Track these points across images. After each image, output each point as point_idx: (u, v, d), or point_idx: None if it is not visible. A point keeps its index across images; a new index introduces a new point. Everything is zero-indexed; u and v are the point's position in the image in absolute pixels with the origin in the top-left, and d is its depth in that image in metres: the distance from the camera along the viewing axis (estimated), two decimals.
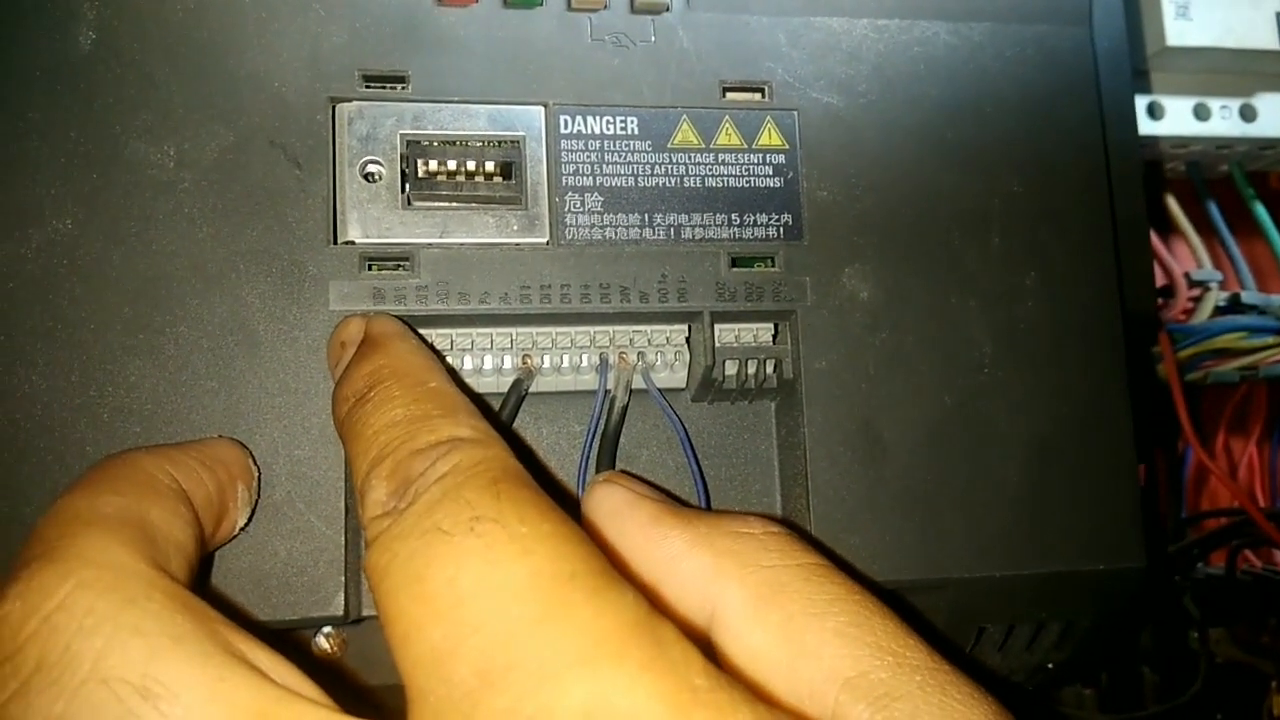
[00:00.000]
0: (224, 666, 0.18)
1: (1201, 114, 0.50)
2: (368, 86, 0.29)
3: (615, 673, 0.15)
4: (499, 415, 0.29)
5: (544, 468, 0.30)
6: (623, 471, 0.29)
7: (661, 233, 0.30)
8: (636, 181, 0.30)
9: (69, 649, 0.17)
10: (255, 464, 0.26)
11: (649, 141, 0.30)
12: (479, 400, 0.28)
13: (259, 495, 0.26)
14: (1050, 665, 0.33)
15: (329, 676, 0.28)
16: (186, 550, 0.22)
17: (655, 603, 0.20)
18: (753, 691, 0.16)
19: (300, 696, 0.18)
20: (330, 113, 0.28)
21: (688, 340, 0.30)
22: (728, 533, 0.23)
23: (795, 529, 0.25)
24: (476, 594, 0.17)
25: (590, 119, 0.30)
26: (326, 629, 0.29)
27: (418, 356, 0.24)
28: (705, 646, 0.22)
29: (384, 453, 0.21)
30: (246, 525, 0.26)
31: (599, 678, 0.15)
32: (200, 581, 0.25)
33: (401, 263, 0.28)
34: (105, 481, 0.22)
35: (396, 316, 0.27)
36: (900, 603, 0.28)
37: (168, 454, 0.24)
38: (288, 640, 0.28)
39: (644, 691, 0.15)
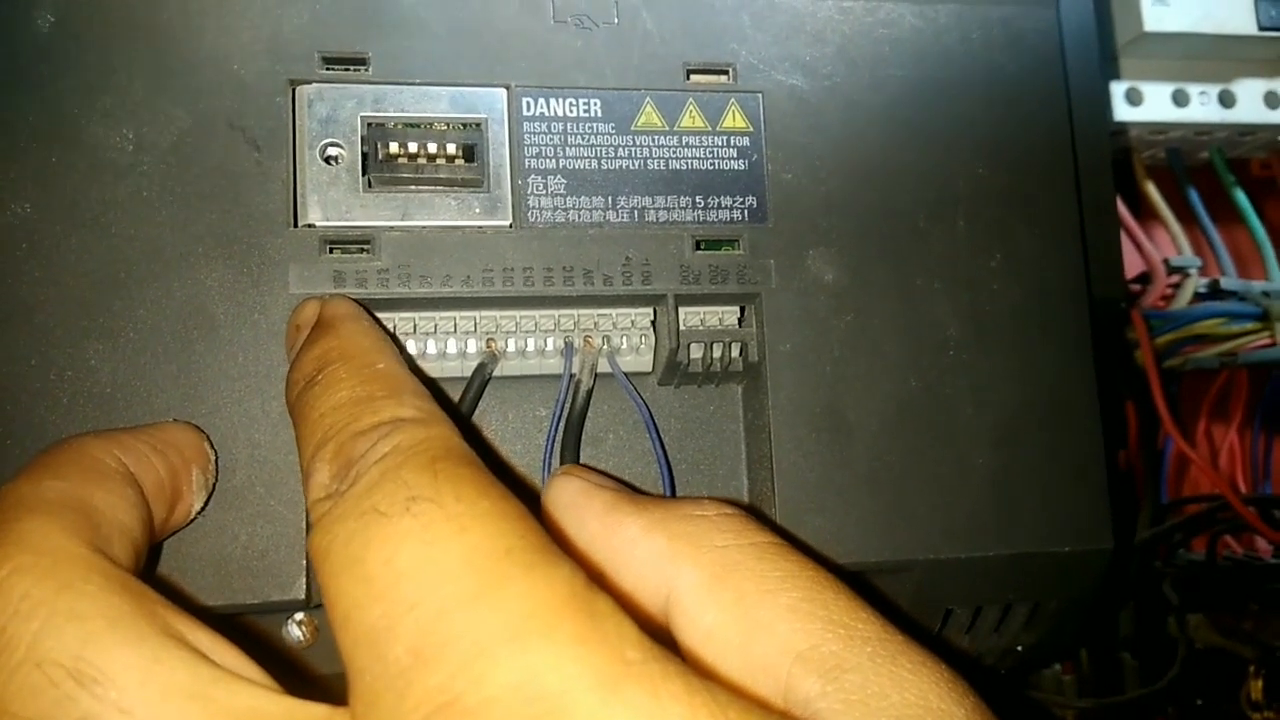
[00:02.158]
0: (160, 648, 0.18)
1: (1180, 100, 0.50)
2: (328, 68, 0.28)
3: (545, 648, 0.15)
4: (463, 400, 0.29)
5: (508, 453, 0.30)
6: (583, 465, 0.29)
7: (625, 216, 0.30)
8: (600, 164, 0.30)
9: (4, 633, 0.17)
10: (212, 447, 0.26)
11: (612, 124, 0.30)
12: (436, 386, 0.28)
13: (217, 479, 0.26)
14: (1019, 648, 0.33)
15: (299, 667, 0.29)
16: (133, 534, 0.21)
17: (613, 590, 0.20)
18: (691, 665, 0.16)
19: (238, 677, 0.18)
20: (290, 95, 0.28)
21: (653, 323, 0.30)
22: (682, 516, 0.23)
23: (756, 513, 0.25)
24: (413, 573, 0.17)
25: (553, 101, 0.30)
26: (299, 616, 0.29)
27: (367, 338, 0.24)
28: (663, 632, 0.22)
29: (328, 435, 0.21)
30: (204, 509, 0.26)
31: (529, 653, 0.15)
32: (153, 567, 0.25)
33: (362, 246, 0.28)
34: (50, 467, 0.22)
35: (358, 300, 0.27)
36: (864, 585, 0.28)
37: (116, 438, 0.24)
38: (256, 630, 0.28)
39: (574, 666, 0.15)
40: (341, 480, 0.20)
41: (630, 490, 0.25)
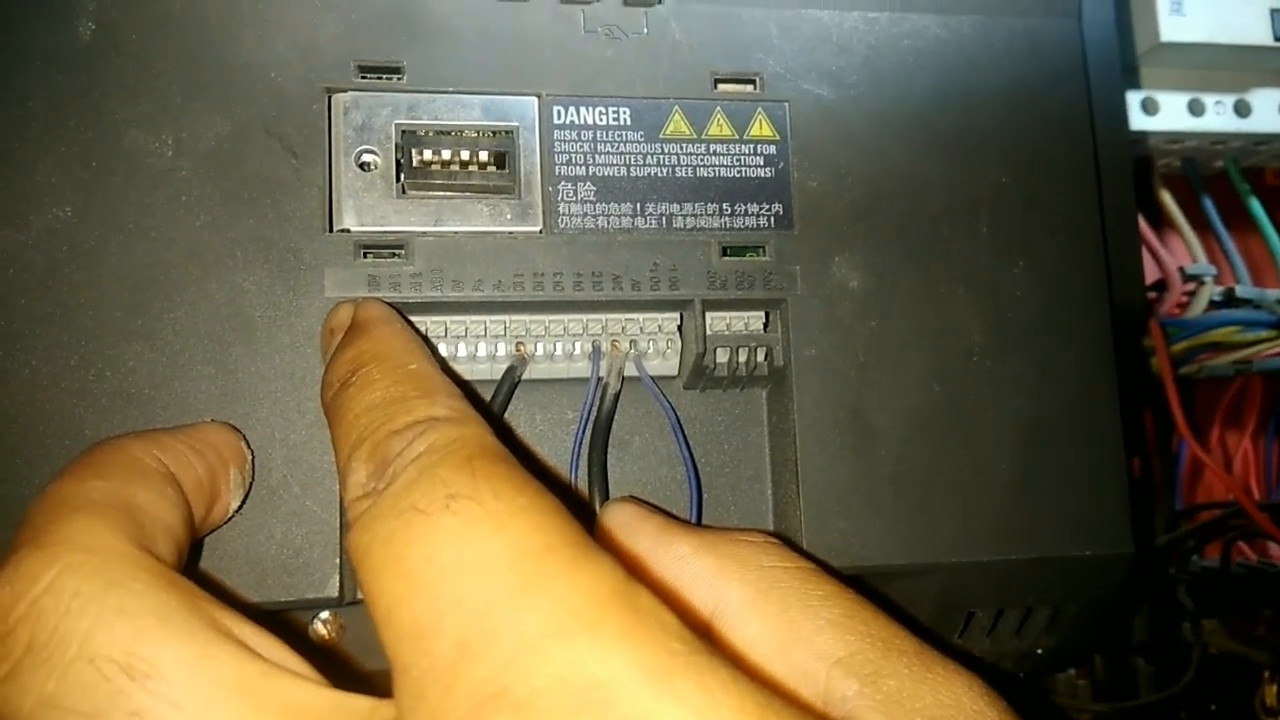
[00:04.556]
0: (209, 643, 0.18)
1: (1196, 109, 0.50)
2: (363, 77, 0.29)
3: (591, 641, 0.16)
4: (492, 402, 0.29)
5: (537, 455, 0.30)
6: (631, 497, 0.29)
7: (653, 222, 0.30)
8: (629, 171, 0.30)
9: (57, 630, 0.18)
10: (249, 447, 0.26)
11: (641, 132, 0.30)
12: (468, 387, 0.29)
13: (253, 479, 0.26)
14: (1039, 651, 0.33)
15: (329, 662, 0.29)
16: (175, 532, 0.22)
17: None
18: (732, 658, 0.17)
19: (285, 670, 0.18)
20: (326, 102, 0.29)
21: (679, 328, 0.31)
22: (729, 540, 0.25)
23: (789, 544, 0.26)
24: (455, 570, 0.17)
25: (583, 109, 0.30)
26: (324, 615, 0.29)
27: (400, 340, 0.25)
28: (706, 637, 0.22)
29: (363, 435, 0.21)
30: (240, 508, 0.26)
31: (575, 646, 0.16)
32: (194, 563, 0.26)
33: (396, 250, 0.28)
34: (92, 467, 0.22)
35: (391, 304, 0.27)
36: (889, 603, 0.28)
37: (156, 438, 0.24)
38: (286, 625, 0.28)
39: (622, 658, 0.15)
40: (379, 479, 0.20)
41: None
